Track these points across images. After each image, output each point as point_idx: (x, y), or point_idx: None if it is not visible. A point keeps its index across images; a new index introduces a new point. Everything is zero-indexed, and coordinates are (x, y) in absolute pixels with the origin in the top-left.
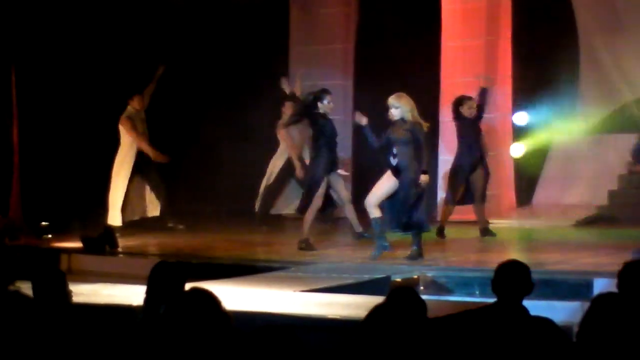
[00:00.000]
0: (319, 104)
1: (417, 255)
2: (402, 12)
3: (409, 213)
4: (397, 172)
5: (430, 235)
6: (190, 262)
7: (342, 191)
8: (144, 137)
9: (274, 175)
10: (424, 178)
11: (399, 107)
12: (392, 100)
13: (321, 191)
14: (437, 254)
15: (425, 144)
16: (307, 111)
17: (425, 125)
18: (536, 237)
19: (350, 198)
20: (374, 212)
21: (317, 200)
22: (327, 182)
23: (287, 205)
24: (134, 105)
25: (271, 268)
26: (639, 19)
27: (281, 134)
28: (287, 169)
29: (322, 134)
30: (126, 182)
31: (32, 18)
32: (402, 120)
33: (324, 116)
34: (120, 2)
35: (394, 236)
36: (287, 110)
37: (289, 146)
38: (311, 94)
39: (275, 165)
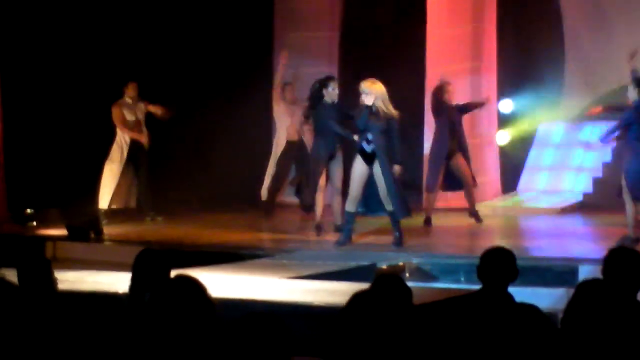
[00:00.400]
0: (324, 91)
1: (401, 241)
2: None
3: (392, 199)
4: (370, 158)
5: (416, 222)
6: (176, 250)
7: (337, 181)
8: (131, 126)
9: (275, 165)
10: (397, 169)
11: (370, 93)
12: (364, 85)
13: (322, 176)
14: (422, 240)
15: (399, 134)
16: (310, 98)
17: (396, 114)
18: (521, 224)
19: (340, 190)
20: (350, 207)
21: (321, 184)
22: (325, 168)
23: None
24: (128, 93)
25: (257, 255)
26: (623, 7)
27: (279, 109)
28: (287, 155)
29: (321, 122)
30: (119, 169)
31: (16, 9)
32: (372, 107)
33: (325, 104)
34: None
35: (376, 224)
36: (288, 94)
37: (289, 114)
38: (317, 81)
39: (276, 154)
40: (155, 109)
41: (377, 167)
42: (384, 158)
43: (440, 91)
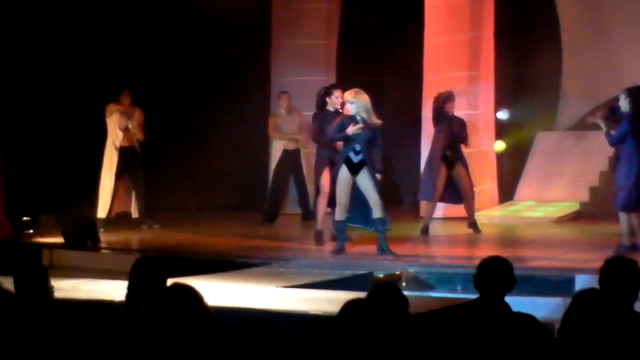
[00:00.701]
0: (327, 99)
1: (388, 248)
2: (385, 8)
3: (381, 207)
4: (357, 168)
5: (414, 231)
6: (172, 258)
7: None
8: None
9: (272, 173)
10: (378, 177)
11: (354, 103)
12: (348, 96)
13: (325, 183)
14: (419, 249)
15: (382, 143)
16: (316, 106)
17: (379, 123)
18: (518, 233)
19: None
20: (339, 216)
21: (324, 192)
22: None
23: (292, 203)
24: (122, 101)
25: (253, 264)
26: (621, 15)
27: (274, 118)
28: (284, 164)
29: (323, 129)
30: (111, 176)
31: (12, 18)
32: (356, 116)
33: (328, 111)
34: None
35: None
36: (283, 102)
37: (284, 122)
38: (322, 88)
39: (273, 166)
40: (138, 131)
41: (363, 177)
42: (371, 167)
43: (442, 100)
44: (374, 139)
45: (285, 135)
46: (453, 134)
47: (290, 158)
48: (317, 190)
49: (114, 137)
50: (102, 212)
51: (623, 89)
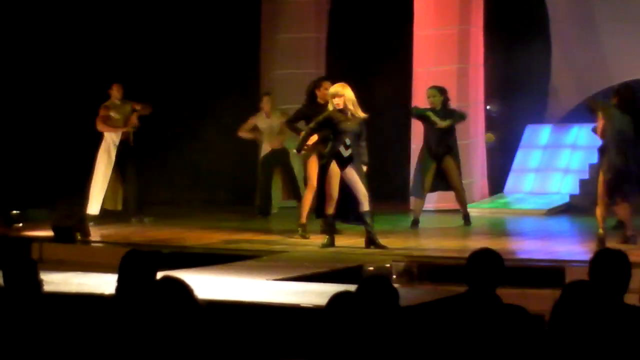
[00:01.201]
0: (317, 92)
1: (376, 239)
2: (374, 1)
3: (368, 199)
4: (346, 163)
5: (404, 224)
6: (162, 251)
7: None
8: (118, 124)
9: (260, 172)
10: (364, 170)
11: (342, 97)
12: (334, 90)
13: (314, 175)
14: (409, 242)
15: (367, 137)
16: (306, 99)
17: (365, 116)
18: (508, 225)
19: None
20: (329, 209)
21: (312, 184)
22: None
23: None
24: (113, 95)
25: (244, 257)
26: (610, 8)
27: (258, 120)
28: (270, 161)
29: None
30: (108, 172)
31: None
32: (343, 110)
33: (318, 104)
34: None
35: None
36: (265, 105)
37: (267, 124)
38: (312, 82)
39: (260, 161)
40: (140, 107)
41: (350, 171)
42: (358, 161)
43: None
44: (361, 132)
45: (249, 134)
46: (441, 128)
47: (278, 156)
48: (305, 183)
49: (112, 137)
50: (93, 208)
51: (613, 88)
